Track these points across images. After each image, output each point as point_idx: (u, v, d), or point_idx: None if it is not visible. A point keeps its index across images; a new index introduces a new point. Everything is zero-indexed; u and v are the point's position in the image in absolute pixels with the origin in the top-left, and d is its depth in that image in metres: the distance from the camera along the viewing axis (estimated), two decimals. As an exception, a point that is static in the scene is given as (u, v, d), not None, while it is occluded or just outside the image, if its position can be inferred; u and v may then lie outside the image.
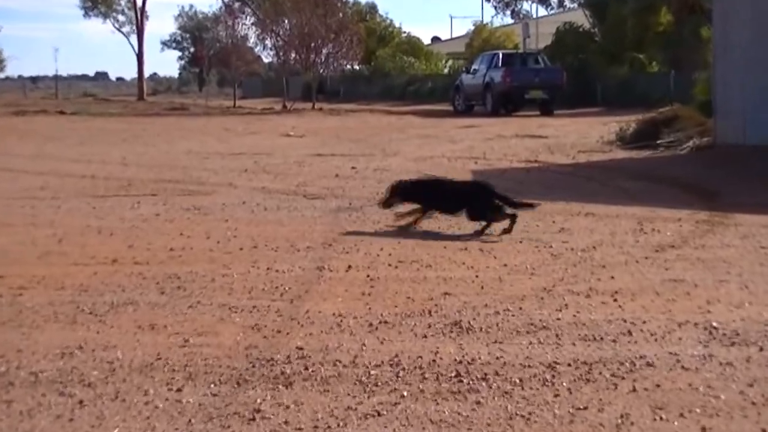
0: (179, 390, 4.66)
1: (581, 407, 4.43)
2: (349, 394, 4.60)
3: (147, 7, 64.79)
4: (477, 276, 7.27)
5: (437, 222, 9.68)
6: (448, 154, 18.72)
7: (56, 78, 71.62)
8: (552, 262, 7.87)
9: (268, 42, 49.05)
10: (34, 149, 20.48)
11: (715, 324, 5.83)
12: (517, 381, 4.78)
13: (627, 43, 41.75)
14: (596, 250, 8.34)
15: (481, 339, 5.54)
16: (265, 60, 59.18)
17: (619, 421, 4.27)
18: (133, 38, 66.02)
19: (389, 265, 7.74)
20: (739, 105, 17.14)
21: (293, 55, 47.08)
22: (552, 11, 63.62)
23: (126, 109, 43.25)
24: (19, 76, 69.31)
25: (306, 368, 4.98)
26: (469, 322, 5.87)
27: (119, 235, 9.26)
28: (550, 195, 12.06)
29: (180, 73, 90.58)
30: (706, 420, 4.28)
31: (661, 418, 4.29)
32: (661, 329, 5.73)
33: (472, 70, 39.29)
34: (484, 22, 62.63)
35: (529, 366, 5.01)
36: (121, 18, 67.40)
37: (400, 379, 4.81)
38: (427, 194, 9.56)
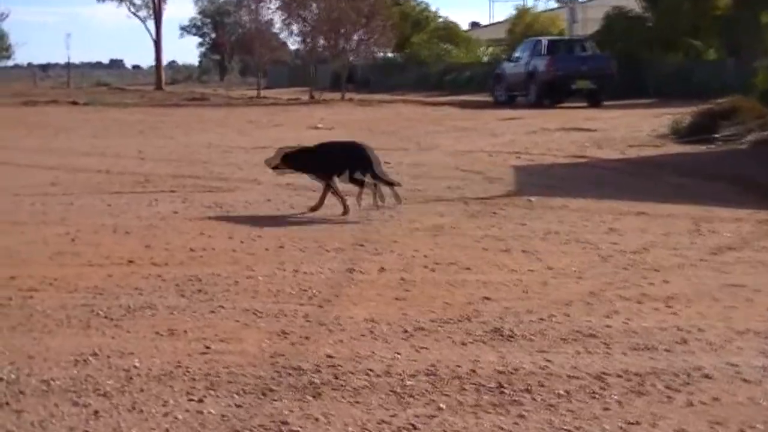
0: (200, 400, 4.69)
1: (632, 422, 4.41)
2: (382, 406, 4.61)
3: (165, -10, 65.04)
4: (519, 279, 7.26)
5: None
6: (487, 148, 18.68)
7: (68, 66, 71.95)
8: (600, 264, 7.85)
9: (294, 27, 49.07)
10: (44, 142, 20.59)
11: (778, 333, 5.80)
12: (563, 393, 4.77)
13: (681, 29, 41.46)
14: (648, 252, 8.31)
15: (523, 347, 5.53)
16: (291, 47, 59.27)
17: (674, 437, 4.26)
18: (150, 23, 66.17)
19: (425, 267, 7.75)
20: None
21: (321, 41, 47.11)
22: (600, -5, 63.39)
23: (142, 99, 43.44)
24: (29, 64, 69.58)
25: (336, 378, 4.99)
26: (511, 329, 5.87)
27: (135, 235, 9.31)
28: (598, 192, 12.03)
29: (200, 61, 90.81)
30: (769, 436, 4.26)
31: (719, 435, 4.28)
32: (720, 338, 5.70)
33: (513, 57, 39.19)
34: (527, 7, 62.43)
35: (575, 377, 5.00)
36: (137, 1, 67.55)
37: (437, 390, 4.81)
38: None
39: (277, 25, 52.55)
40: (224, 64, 79.04)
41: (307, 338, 5.72)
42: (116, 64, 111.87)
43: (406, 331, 5.86)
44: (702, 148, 18.10)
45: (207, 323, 6.09)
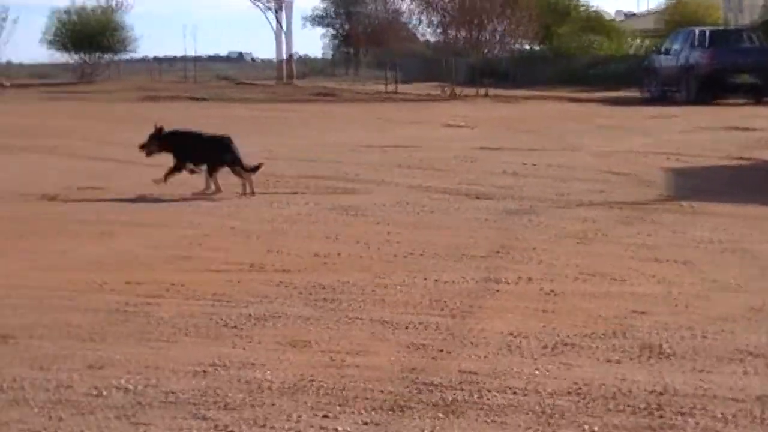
0: (329, 416, 4.72)
1: (801, 450, 4.32)
2: (524, 427, 4.58)
3: (289, -21, 65.48)
4: (673, 292, 7.16)
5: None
6: (637, 148, 18.47)
7: (186, 59, 73.07)
8: (763, 277, 7.70)
9: (429, 18, 49.04)
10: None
11: None
12: (723, 417, 4.69)
13: None
14: (819, 265, 8.13)
15: (679, 366, 5.45)
16: (424, 39, 59.21)
17: None
18: (272, 14, 66.71)
19: (569, 277, 7.69)
20: None
21: (458, 32, 47.00)
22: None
23: (266, 94, 43.88)
24: (146, 57, 70.91)
25: (474, 395, 4.98)
26: (665, 346, 5.79)
27: (259, 238, 9.43)
28: (762, 198, 11.79)
29: (327, 54, 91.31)
30: None
31: None
32: None
33: (666, 50, 38.63)
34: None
35: (737, 399, 4.92)
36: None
37: (585, 411, 4.77)
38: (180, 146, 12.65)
39: (415, 16, 52.49)
40: (352, 57, 79.37)
41: (442, 352, 5.73)
42: (236, 56, 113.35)
43: (549, 347, 5.83)
44: None
45: (335, 334, 6.13)
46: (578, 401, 4.89)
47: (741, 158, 16.86)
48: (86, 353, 5.72)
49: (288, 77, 60.75)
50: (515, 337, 6.01)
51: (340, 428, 4.58)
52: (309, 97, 41.61)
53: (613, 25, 63.25)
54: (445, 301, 6.90)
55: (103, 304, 6.86)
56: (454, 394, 5.00)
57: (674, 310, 6.66)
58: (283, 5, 63.03)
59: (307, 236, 9.51)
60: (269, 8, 64.44)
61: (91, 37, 57.92)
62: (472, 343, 5.91)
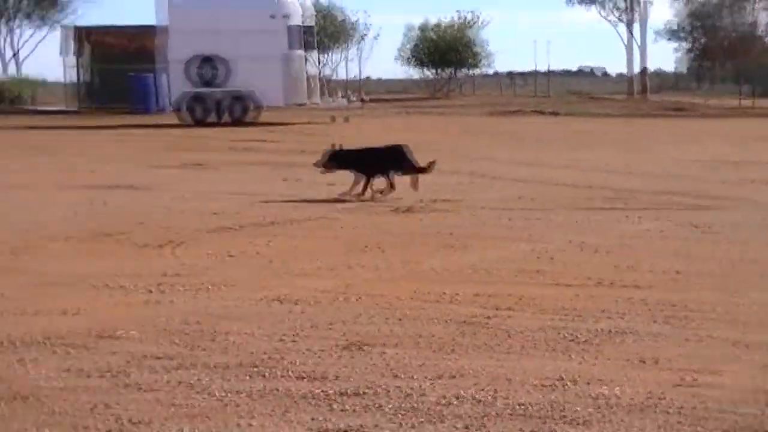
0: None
1: None
2: None
3: (640, -6, 64.61)
4: None
5: None
6: None
7: (537, 73, 73.37)
8: None
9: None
10: (511, 153, 21.13)
11: None
12: None
13: None
14: None
15: None
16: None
17: None
18: (622, 28, 66.12)
19: None
20: None
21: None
22: None
23: (617, 109, 43.53)
24: (508, 72, 71.57)
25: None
26: None
27: (606, 254, 9.36)
28: None
29: (680, 68, 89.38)
30: None
31: None
32: None
33: None
34: None
35: None
36: (610, 6, 67.73)
37: None
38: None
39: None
40: (707, 71, 77.46)
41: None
42: (588, 71, 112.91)
43: None
44: None
45: (685, 353, 6.02)
46: None
47: None
48: (437, 363, 5.85)
49: (641, 92, 59.93)
50: None
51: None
52: (661, 111, 40.96)
53: None
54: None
55: (453, 315, 6.99)
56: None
57: None
58: (637, 19, 62.34)
59: (657, 253, 9.36)
60: (621, 22, 63.97)
61: (445, 53, 59.13)
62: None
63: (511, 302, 7.36)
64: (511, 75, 69.44)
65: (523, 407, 5.06)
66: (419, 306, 7.28)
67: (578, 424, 4.82)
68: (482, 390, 5.33)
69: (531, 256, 9.27)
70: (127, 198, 13.78)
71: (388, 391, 5.33)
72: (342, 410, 5.07)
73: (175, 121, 31.32)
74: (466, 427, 4.80)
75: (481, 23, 61.14)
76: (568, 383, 5.43)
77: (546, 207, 12.63)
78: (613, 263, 8.85)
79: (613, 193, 13.94)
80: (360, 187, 13.49)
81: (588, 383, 5.43)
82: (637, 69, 62.28)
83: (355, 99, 37.47)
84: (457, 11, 62.40)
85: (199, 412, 5.03)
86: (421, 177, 13.39)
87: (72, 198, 13.63)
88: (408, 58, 61.53)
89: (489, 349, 6.15)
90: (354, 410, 5.06)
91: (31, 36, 57.91)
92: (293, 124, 31.46)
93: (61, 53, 43.04)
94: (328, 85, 41.65)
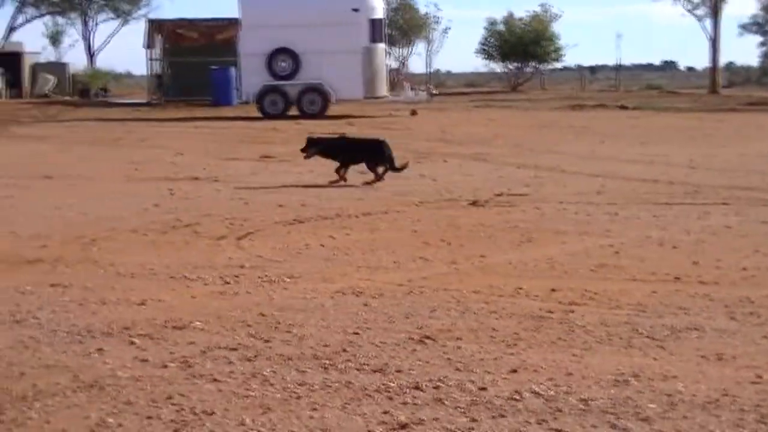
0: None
1: None
2: None
3: (727, -13, 63.83)
4: None
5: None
6: None
7: (617, 68, 72.93)
8: None
9: None
10: (591, 148, 20.98)
11: None
12: None
13: None
14: None
15: None
16: None
17: None
18: (707, 22, 65.46)
19: None
20: None
21: None
22: None
23: (695, 103, 43.07)
24: (578, 66, 71.28)
25: None
26: None
27: (683, 249, 9.29)
28: None
29: (765, 62, 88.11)
30: None
31: None
32: None
33: None
34: None
35: None
36: (692, 1, 67.07)
37: None
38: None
39: None
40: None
41: None
42: (668, 65, 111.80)
43: None
44: None
45: (759, 349, 5.97)
46: None
47: None
48: (506, 357, 5.85)
49: (721, 86, 59.38)
50: None
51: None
52: (740, 106, 40.44)
53: None
54: None
55: (523, 309, 6.98)
56: None
57: None
58: (719, 13, 61.69)
59: (732, 248, 9.27)
60: (706, 16, 63.35)
61: (521, 47, 59.08)
62: None
63: (583, 297, 7.33)
64: (581, 68, 69.29)
65: (591, 402, 5.04)
66: (494, 300, 7.27)
67: (646, 420, 4.79)
68: (556, 385, 5.32)
69: (603, 251, 9.22)
70: (198, 190, 13.93)
71: (462, 385, 5.34)
72: (414, 404, 5.08)
73: (256, 113, 31.49)
74: (533, 422, 4.80)
75: (555, 16, 61.19)
76: (638, 379, 5.40)
77: (625, 202, 12.53)
78: (691, 259, 8.78)
79: (692, 187, 13.80)
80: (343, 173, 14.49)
81: (658, 379, 5.40)
82: (722, 63, 61.53)
83: (424, 91, 37.41)
84: (540, 5, 62.34)
85: (270, 404, 5.07)
86: (492, 168, 13.32)
87: (145, 190, 13.80)
88: (485, 52, 61.57)
89: (559, 344, 6.14)
90: (427, 404, 5.08)
91: (116, 31, 59.15)
92: (373, 117, 31.55)
93: (144, 46, 43.66)
94: (399, 79, 41.72)
